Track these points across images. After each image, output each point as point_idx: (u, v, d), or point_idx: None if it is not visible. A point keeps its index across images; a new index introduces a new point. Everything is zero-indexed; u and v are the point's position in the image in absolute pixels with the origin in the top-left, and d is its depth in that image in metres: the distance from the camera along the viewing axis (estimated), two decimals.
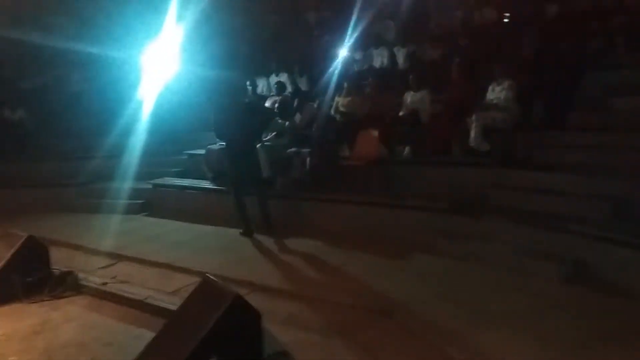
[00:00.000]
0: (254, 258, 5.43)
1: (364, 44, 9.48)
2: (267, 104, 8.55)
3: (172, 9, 8.82)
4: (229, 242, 6.12)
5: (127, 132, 8.77)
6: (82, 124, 10.30)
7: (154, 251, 5.83)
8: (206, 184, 7.44)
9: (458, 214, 5.25)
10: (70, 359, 3.38)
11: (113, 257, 5.75)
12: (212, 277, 3.10)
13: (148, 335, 3.25)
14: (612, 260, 4.13)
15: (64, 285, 4.40)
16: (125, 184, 8.41)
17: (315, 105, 8.02)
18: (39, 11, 11.53)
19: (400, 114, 6.99)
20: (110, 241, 6.32)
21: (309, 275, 4.75)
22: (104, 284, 4.47)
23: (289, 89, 9.20)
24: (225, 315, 2.75)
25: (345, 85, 7.97)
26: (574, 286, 4.06)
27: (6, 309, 4.19)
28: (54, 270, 4.60)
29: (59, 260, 5.63)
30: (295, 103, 8.31)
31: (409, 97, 7.08)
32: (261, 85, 9.79)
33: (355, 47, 9.38)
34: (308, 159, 6.86)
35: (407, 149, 6.61)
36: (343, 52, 9.21)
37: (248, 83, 9.50)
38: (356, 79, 8.26)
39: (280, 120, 7.55)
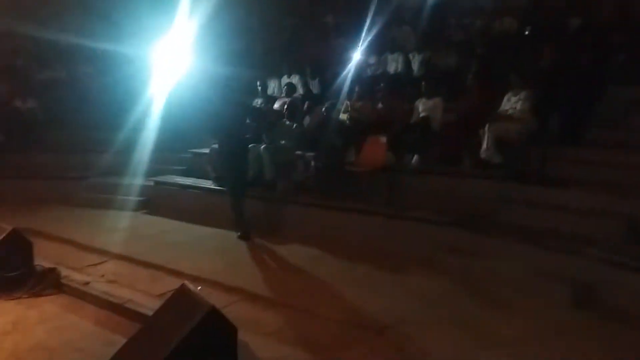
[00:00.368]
0: (248, 264, 5.24)
1: (379, 48, 9.26)
2: (276, 106, 8.38)
3: (187, 5, 8.72)
4: (226, 245, 5.95)
5: (136, 127, 8.67)
6: (92, 117, 10.29)
7: (147, 251, 5.66)
8: (208, 184, 7.27)
9: (464, 228, 4.97)
10: None
11: (105, 254, 5.61)
12: (190, 285, 2.90)
13: (122, 342, 3.05)
14: (625, 286, 3.84)
15: (45, 282, 4.22)
16: (128, 179, 8.33)
17: (325, 109, 7.82)
18: (57, 8, 11.58)
19: (411, 121, 6.73)
20: (105, 238, 6.20)
21: (302, 285, 4.52)
22: (87, 283, 4.29)
23: (300, 91, 9.04)
24: (199, 327, 2.55)
25: (357, 89, 7.76)
26: (584, 311, 3.78)
27: None
28: (37, 267, 4.42)
29: (49, 254, 5.51)
30: (305, 106, 8.17)
31: (421, 104, 6.82)
32: (272, 86, 9.63)
33: (370, 52, 9.17)
34: (312, 163, 6.66)
35: (415, 158, 6.35)
36: (357, 56, 9.01)
37: (258, 83, 9.35)
38: (368, 83, 8.03)
39: (287, 122, 7.36)
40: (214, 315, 2.59)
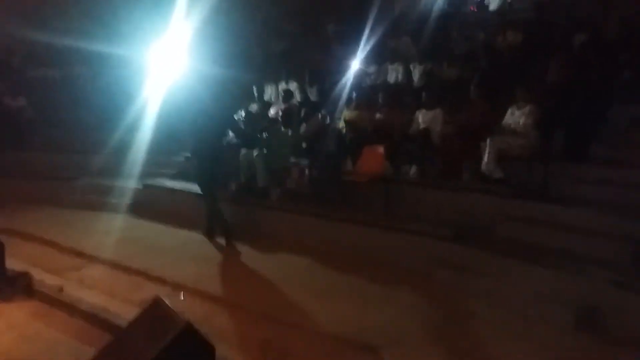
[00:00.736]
0: (234, 272, 5.01)
1: (380, 58, 9.12)
2: (271, 112, 8.19)
3: (184, 7, 8.56)
4: (213, 252, 5.73)
5: (130, 129, 8.47)
6: (85, 118, 10.13)
7: (130, 255, 5.43)
8: (197, 189, 7.02)
9: (462, 243, 4.75)
10: None
11: (86, 258, 5.38)
12: (163, 299, 2.65)
13: (91, 354, 2.81)
14: (631, 311, 3.63)
15: (15, 287, 3.95)
16: (119, 182, 8.11)
17: (322, 117, 7.65)
18: (54, 9, 11.46)
19: (410, 132, 6.54)
20: (88, 241, 5.96)
21: (293, 297, 4.27)
22: (60, 289, 4.02)
23: (297, 98, 8.86)
24: (172, 345, 2.31)
25: (354, 97, 7.59)
26: (587, 336, 3.55)
27: None
28: (8, 270, 4.15)
29: (28, 256, 5.30)
30: (302, 113, 7.98)
31: (421, 115, 6.65)
32: (269, 91, 9.44)
33: (369, 61, 9.02)
34: (307, 171, 6.46)
35: (413, 169, 6.15)
36: (356, 65, 8.86)
37: (255, 88, 9.17)
38: (367, 92, 7.86)
39: (283, 129, 7.17)
40: (190, 332, 2.35)
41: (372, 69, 8.99)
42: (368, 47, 9.03)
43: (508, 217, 4.98)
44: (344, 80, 8.40)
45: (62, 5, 11.62)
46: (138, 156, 8.26)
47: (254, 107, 8.62)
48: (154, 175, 8.03)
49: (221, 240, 5.95)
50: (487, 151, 5.54)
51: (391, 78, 8.73)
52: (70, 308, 3.74)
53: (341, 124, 7.27)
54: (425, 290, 4.38)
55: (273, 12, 11.61)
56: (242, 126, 7.62)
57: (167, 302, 2.71)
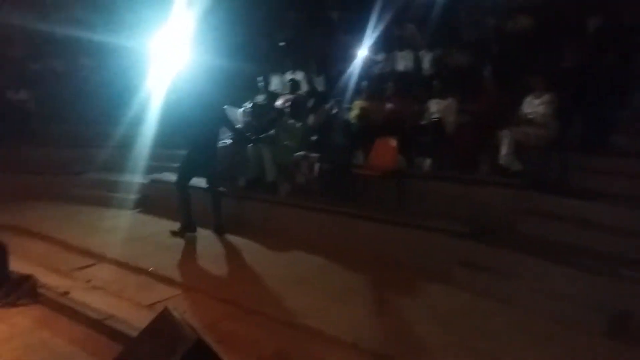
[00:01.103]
0: (246, 273, 4.85)
1: (387, 45, 8.87)
2: (278, 103, 7.99)
3: None
4: (222, 250, 5.58)
5: (134, 122, 8.29)
6: (88, 111, 9.94)
7: (139, 254, 5.32)
8: (204, 184, 6.87)
9: (481, 240, 4.57)
10: None
11: (93, 256, 5.26)
12: (172, 310, 2.49)
13: None
14: None
15: (20, 291, 3.81)
16: (124, 176, 7.99)
17: (330, 108, 7.44)
18: (53, 0, 11.24)
19: (423, 122, 6.34)
20: (95, 238, 5.85)
21: (305, 299, 4.12)
22: (65, 293, 3.88)
23: (304, 88, 8.65)
24: None
25: (364, 88, 7.37)
26: (618, 341, 3.38)
27: None
28: (12, 273, 4.02)
29: (35, 255, 5.21)
30: (310, 104, 7.79)
31: (434, 104, 6.44)
32: (275, 82, 9.23)
33: (377, 49, 8.78)
34: (317, 165, 6.28)
35: (427, 162, 5.97)
36: (364, 53, 8.62)
37: (261, 79, 8.96)
38: (376, 82, 7.64)
39: (291, 121, 6.99)
40: (201, 348, 2.19)
41: (380, 57, 8.76)
42: (374, 35, 8.79)
43: (529, 212, 4.79)
44: (351, 69, 8.20)
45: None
46: (143, 150, 8.10)
47: (260, 99, 8.41)
48: (160, 170, 7.86)
49: (230, 237, 5.81)
50: (504, 142, 5.34)
51: (400, 66, 8.50)
52: (76, 314, 3.60)
53: (351, 115, 7.06)
54: (443, 290, 4.22)
55: (277, 1, 11.34)
56: (249, 119, 7.45)
57: (176, 314, 2.54)
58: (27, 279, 3.95)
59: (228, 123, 6.58)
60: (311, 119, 7.37)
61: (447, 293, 4.17)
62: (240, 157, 6.86)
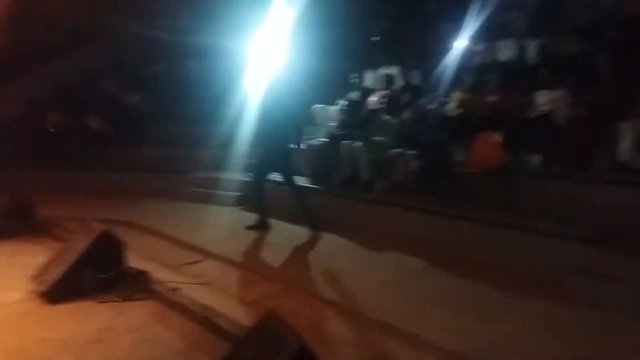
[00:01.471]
0: (344, 273, 4.82)
1: (488, 34, 8.39)
2: (373, 99, 7.90)
3: None
4: (323, 249, 5.62)
5: (236, 122, 8.63)
6: (193, 112, 10.48)
7: (243, 251, 5.54)
8: (302, 182, 6.99)
9: (600, 246, 4.17)
10: None
11: (200, 252, 5.52)
12: (275, 315, 2.53)
13: None
14: None
15: (135, 286, 4.11)
16: (227, 174, 8.33)
17: (427, 102, 7.21)
18: (161, 7, 12.05)
19: (530, 116, 5.92)
20: (202, 234, 6.16)
21: (408, 304, 4.00)
22: (175, 289, 4.12)
23: (399, 82, 8.47)
24: None
25: (464, 80, 7.04)
26: None
27: (72, 306, 3.96)
28: (128, 269, 4.34)
29: (146, 250, 5.55)
30: (405, 99, 7.61)
31: (541, 96, 5.99)
32: (369, 78, 9.13)
33: (476, 38, 8.34)
34: (414, 162, 6.12)
35: (535, 158, 5.57)
36: (462, 44, 8.24)
37: (355, 75, 8.91)
38: (477, 73, 7.27)
39: (386, 117, 6.87)
40: (304, 355, 2.20)
41: (480, 47, 8.32)
42: (474, 24, 8.36)
43: None
44: (448, 60, 7.88)
45: (167, 2, 12.20)
46: (244, 148, 8.40)
47: (354, 95, 8.37)
48: None
49: (326, 235, 5.86)
50: (626, 136, 4.84)
51: (502, 56, 8.02)
52: (185, 310, 3.82)
53: (450, 109, 6.79)
54: (557, 301, 3.90)
55: None
56: (344, 116, 7.44)
57: (280, 318, 2.58)
58: (142, 274, 4.26)
59: (297, 125, 6.78)
60: (407, 115, 7.20)
61: (564, 304, 3.84)
62: (335, 156, 6.88)
